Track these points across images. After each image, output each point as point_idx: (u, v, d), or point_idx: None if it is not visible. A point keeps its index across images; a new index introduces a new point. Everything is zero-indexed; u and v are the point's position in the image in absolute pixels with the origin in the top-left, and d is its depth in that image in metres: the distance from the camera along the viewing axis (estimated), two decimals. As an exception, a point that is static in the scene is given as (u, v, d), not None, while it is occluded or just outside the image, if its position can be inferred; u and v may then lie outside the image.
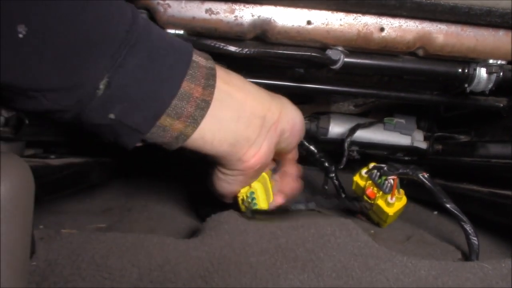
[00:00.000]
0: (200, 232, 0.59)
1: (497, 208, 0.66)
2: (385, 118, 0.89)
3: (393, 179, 0.66)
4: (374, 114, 0.98)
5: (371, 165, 0.69)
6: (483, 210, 0.70)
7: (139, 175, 1.00)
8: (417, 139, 0.91)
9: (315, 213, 0.63)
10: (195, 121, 0.44)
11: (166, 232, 0.67)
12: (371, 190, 0.68)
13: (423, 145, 0.91)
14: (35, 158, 0.66)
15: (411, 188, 0.70)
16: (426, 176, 0.63)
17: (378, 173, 0.68)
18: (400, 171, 0.65)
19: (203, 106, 0.44)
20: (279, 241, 0.53)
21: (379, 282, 0.47)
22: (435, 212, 0.61)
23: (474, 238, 0.58)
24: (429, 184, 0.63)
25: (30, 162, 0.51)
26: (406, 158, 0.97)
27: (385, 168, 0.66)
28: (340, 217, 0.62)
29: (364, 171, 0.70)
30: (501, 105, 0.73)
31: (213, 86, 0.45)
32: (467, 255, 0.60)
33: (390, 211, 0.67)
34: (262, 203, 0.59)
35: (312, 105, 0.95)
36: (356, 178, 0.71)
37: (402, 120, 0.89)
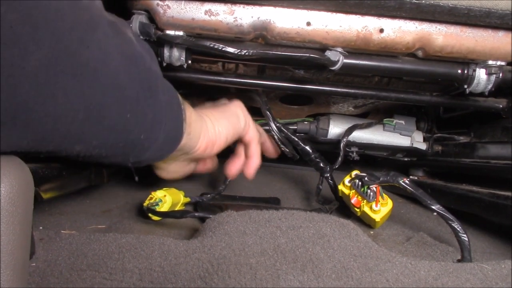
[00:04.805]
0: (200, 233, 0.59)
1: (497, 209, 0.66)
2: (384, 119, 0.89)
3: (376, 187, 0.67)
4: (373, 115, 0.98)
5: (354, 173, 0.69)
6: (482, 211, 0.70)
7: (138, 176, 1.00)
8: (416, 140, 0.91)
9: (315, 214, 0.63)
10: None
11: (166, 233, 0.67)
12: (356, 198, 0.68)
13: (422, 146, 0.91)
14: (34, 159, 0.66)
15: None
16: (407, 181, 0.63)
17: (360, 183, 0.68)
18: (381, 179, 0.65)
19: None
20: (278, 241, 0.53)
21: (379, 283, 0.47)
22: (435, 213, 0.61)
23: (463, 235, 0.58)
24: (410, 189, 0.63)
25: (29, 163, 0.51)
26: (406, 159, 0.97)
27: (366, 178, 0.66)
28: (340, 217, 0.62)
29: (347, 180, 0.70)
30: (501, 106, 0.73)
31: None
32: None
33: (377, 217, 0.68)
34: (162, 209, 0.71)
35: (312, 106, 0.95)
36: (341, 186, 0.71)
37: (402, 121, 0.89)
